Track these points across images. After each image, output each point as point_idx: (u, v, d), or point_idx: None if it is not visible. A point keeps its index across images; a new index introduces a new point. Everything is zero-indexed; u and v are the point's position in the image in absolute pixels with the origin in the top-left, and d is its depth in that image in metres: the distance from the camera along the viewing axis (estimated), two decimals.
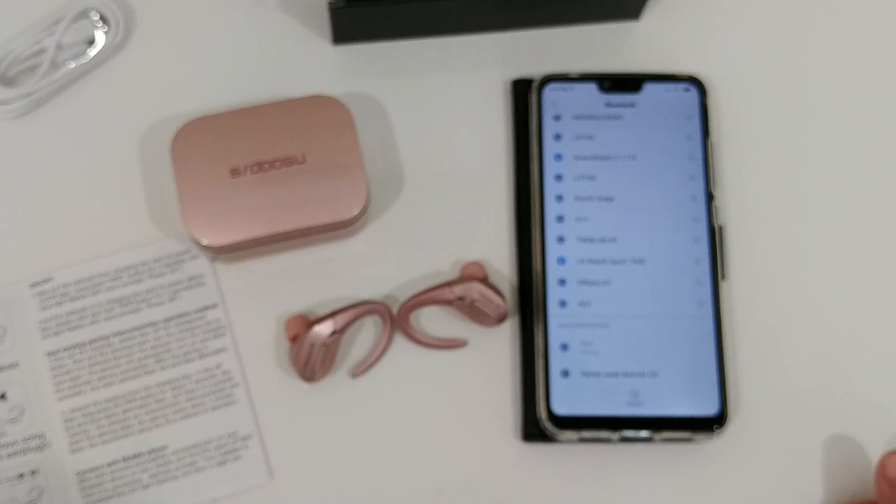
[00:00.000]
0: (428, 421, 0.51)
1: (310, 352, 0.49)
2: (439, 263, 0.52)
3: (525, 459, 0.50)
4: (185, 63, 0.55)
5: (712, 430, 0.49)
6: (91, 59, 0.54)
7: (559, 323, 0.50)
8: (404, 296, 0.51)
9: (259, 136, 0.50)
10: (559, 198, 0.52)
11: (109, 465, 0.49)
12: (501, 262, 0.52)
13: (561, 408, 0.49)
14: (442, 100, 0.54)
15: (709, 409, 0.49)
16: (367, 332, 0.52)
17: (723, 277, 0.51)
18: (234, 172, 0.49)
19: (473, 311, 0.50)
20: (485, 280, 0.51)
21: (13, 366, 0.50)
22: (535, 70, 0.54)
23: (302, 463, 0.50)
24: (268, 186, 0.49)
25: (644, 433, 0.49)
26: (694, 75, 0.54)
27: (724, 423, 0.49)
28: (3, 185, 0.53)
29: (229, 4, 0.55)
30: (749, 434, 0.51)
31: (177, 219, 0.52)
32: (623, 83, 0.53)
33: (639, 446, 0.50)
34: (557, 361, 0.49)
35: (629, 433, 0.49)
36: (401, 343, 0.51)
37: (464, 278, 0.51)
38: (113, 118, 0.54)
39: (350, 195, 0.50)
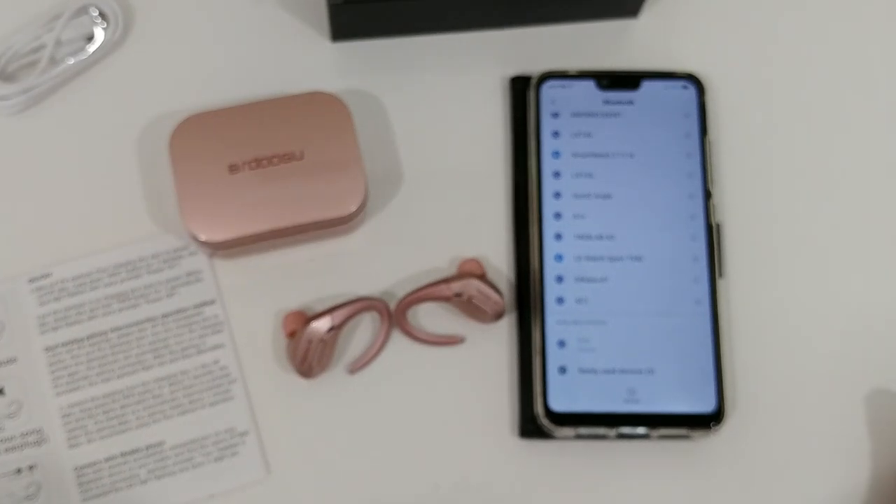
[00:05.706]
0: (425, 417, 0.51)
1: (307, 348, 0.49)
2: (437, 260, 0.52)
3: (522, 456, 0.50)
4: (183, 59, 0.55)
5: (709, 427, 0.49)
6: (90, 56, 0.54)
7: (556, 320, 0.50)
8: (402, 292, 0.51)
9: (257, 132, 0.50)
10: (557, 195, 0.52)
11: (107, 460, 0.49)
12: (499, 259, 0.53)
13: (558, 404, 0.49)
14: (440, 97, 0.54)
15: (706, 406, 0.49)
16: (364, 329, 0.52)
17: (720, 275, 0.51)
18: (233, 168, 0.50)
19: (471, 308, 0.50)
20: (482, 277, 0.51)
21: (11, 361, 0.50)
22: (533, 67, 0.54)
23: (299, 459, 0.50)
24: (266, 183, 0.49)
25: (641, 430, 0.49)
26: (692, 73, 0.54)
27: (721, 420, 0.49)
28: (2, 181, 0.53)
29: (228, 1, 0.55)
30: (746, 431, 0.51)
31: (175, 215, 0.52)
32: (621, 81, 0.53)
33: (636, 443, 0.50)
34: (555, 358, 0.50)
35: (626, 430, 0.49)
36: (398, 339, 0.51)
37: (461, 275, 0.51)
38: (111, 114, 0.54)
39: (348, 191, 0.50)
